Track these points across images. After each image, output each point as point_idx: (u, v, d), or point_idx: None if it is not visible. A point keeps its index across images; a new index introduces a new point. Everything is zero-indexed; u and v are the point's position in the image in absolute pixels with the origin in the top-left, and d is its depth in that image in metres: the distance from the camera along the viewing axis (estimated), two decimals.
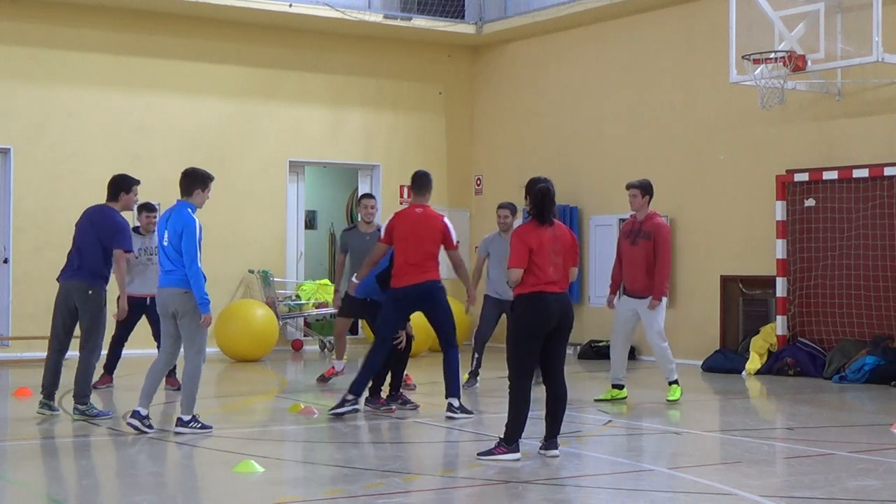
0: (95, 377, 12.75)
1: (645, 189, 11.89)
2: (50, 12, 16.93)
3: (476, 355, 12.88)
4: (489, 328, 12.90)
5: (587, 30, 18.18)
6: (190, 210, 9.67)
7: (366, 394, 10.97)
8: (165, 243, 9.63)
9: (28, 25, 16.84)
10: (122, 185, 10.66)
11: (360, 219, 13.16)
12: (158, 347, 10.21)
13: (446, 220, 10.83)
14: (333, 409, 10.69)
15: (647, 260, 11.76)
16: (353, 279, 11.36)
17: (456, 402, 10.66)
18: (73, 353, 10.67)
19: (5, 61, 16.70)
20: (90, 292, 10.46)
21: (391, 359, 11.06)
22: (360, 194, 13.22)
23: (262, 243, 18.32)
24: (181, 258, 9.57)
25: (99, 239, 10.47)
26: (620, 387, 12.06)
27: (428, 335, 17.02)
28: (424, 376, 14.09)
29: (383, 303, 10.86)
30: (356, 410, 10.69)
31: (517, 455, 8.55)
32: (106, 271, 10.55)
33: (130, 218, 11.44)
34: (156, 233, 11.15)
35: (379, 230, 12.46)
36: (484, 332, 12.88)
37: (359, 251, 12.46)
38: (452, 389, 10.67)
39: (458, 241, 10.96)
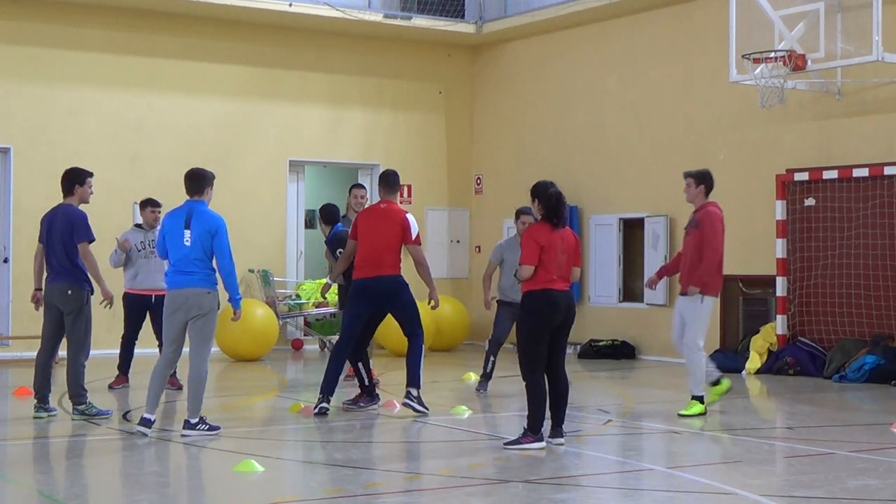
0: (111, 378, 12.82)
1: (699, 178, 11.08)
2: (50, 12, 16.93)
3: (491, 358, 12.67)
4: (504, 332, 12.71)
5: (587, 30, 18.18)
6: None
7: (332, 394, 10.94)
8: (187, 243, 9.52)
9: (28, 25, 16.83)
10: (75, 179, 10.63)
11: (350, 208, 12.88)
12: (160, 346, 10.18)
13: (409, 216, 10.88)
14: (315, 407, 10.75)
15: (695, 251, 10.88)
16: (328, 279, 11.41)
17: (415, 392, 10.75)
18: (64, 352, 10.73)
19: (5, 61, 16.69)
20: (69, 292, 10.45)
21: (364, 355, 11.26)
22: (351, 185, 13.15)
23: (262, 243, 18.32)
24: (206, 259, 9.54)
25: (62, 239, 10.45)
26: (701, 398, 10.99)
27: (427, 333, 17.04)
28: (425, 375, 14.08)
29: (347, 299, 10.93)
30: (325, 412, 10.68)
31: (542, 444, 8.95)
32: (82, 267, 10.52)
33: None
34: (158, 230, 10.78)
35: None
36: (499, 336, 12.69)
37: None
38: (413, 379, 10.77)
39: (417, 237, 10.86)
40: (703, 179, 11.14)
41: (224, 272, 9.58)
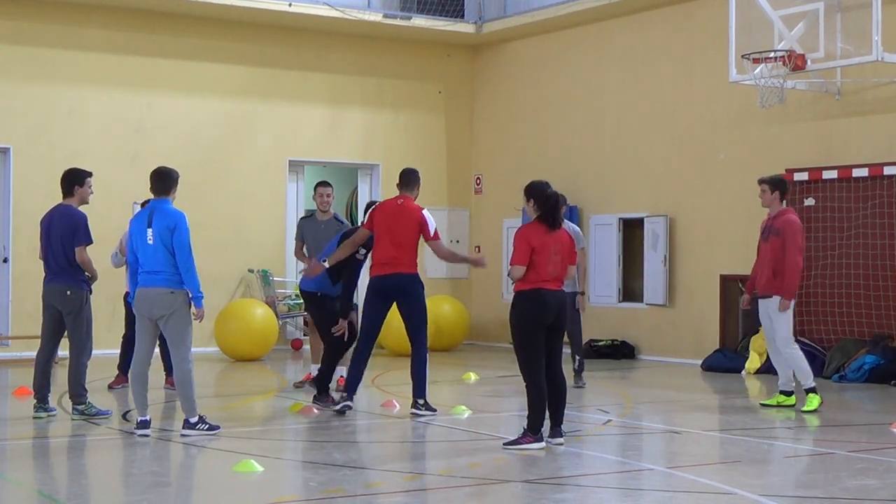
0: (111, 378, 12.82)
1: (774, 185, 11.56)
2: (50, 12, 16.93)
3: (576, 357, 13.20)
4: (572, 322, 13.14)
5: (587, 30, 18.18)
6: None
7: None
8: (150, 241, 9.46)
9: (28, 25, 16.83)
10: (75, 180, 10.61)
11: (316, 207, 12.92)
12: (160, 346, 10.17)
13: (425, 212, 10.83)
14: (334, 407, 10.79)
15: (774, 258, 11.34)
16: (325, 263, 11.11)
17: (421, 401, 10.75)
18: (64, 352, 10.71)
19: (5, 61, 16.69)
20: (68, 293, 10.44)
21: (331, 353, 11.25)
22: (316, 182, 13.13)
23: (262, 243, 18.32)
24: (170, 257, 9.45)
25: (61, 240, 10.43)
26: (789, 393, 11.55)
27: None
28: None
29: (366, 295, 10.87)
30: (346, 409, 10.72)
31: (542, 444, 8.94)
32: (80, 269, 10.51)
33: (131, 216, 11.40)
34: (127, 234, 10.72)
35: (336, 218, 12.70)
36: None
37: (314, 239, 12.52)
38: (418, 389, 10.75)
39: (435, 232, 10.81)
40: (777, 185, 11.60)
41: (183, 268, 9.43)
